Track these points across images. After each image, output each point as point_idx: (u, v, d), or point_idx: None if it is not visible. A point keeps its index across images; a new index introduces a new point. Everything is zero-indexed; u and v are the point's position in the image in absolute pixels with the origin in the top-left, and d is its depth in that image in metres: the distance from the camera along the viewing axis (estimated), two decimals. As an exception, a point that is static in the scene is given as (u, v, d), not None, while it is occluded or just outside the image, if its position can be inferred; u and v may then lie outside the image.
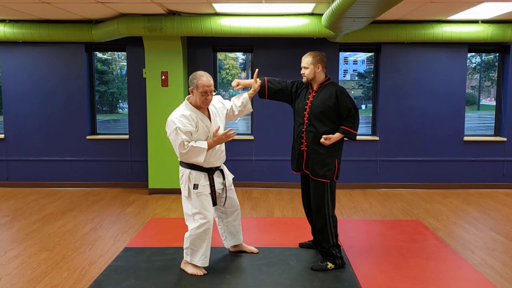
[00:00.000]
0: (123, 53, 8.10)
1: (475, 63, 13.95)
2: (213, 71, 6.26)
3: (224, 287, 3.10)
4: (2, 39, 5.84)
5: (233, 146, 6.31)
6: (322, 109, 3.34)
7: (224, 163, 3.48)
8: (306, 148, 3.41)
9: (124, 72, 10.29)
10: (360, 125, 3.43)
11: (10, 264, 3.52)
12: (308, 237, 3.88)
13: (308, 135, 3.38)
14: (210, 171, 3.24)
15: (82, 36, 5.71)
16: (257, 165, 6.32)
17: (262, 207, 5.30)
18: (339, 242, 3.47)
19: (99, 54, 10.14)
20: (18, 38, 5.78)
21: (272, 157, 6.27)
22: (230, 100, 3.57)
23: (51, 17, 5.61)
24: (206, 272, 3.28)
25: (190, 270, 3.29)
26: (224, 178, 3.39)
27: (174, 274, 3.31)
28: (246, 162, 6.30)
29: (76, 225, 4.57)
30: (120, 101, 11.27)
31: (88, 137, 6.31)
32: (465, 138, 6.24)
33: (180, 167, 3.26)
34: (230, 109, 3.49)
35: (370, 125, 6.52)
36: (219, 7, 5.01)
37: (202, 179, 3.20)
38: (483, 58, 13.53)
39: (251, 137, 6.30)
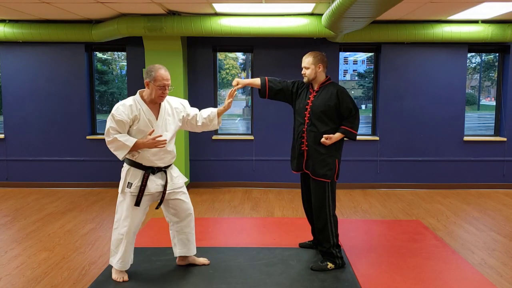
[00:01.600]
0: (123, 53, 8.10)
1: (475, 63, 13.96)
2: (213, 71, 6.26)
3: (224, 287, 3.10)
4: (2, 39, 5.85)
5: (233, 146, 6.31)
6: (323, 109, 3.34)
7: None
8: (306, 148, 3.41)
9: (124, 72, 10.29)
10: (360, 125, 3.43)
11: (10, 264, 3.52)
12: (308, 237, 3.88)
13: (309, 135, 3.38)
14: (148, 170, 3.05)
15: (82, 36, 5.71)
16: (257, 165, 6.32)
17: (262, 207, 5.30)
18: (339, 242, 3.47)
19: (99, 54, 10.14)
20: (18, 38, 5.78)
21: (272, 157, 6.27)
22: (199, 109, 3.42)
23: (51, 17, 5.61)
24: (127, 279, 3.15)
25: (113, 275, 3.18)
26: (167, 181, 3.13)
27: (174, 274, 3.31)
28: (246, 162, 6.30)
29: (76, 225, 4.57)
30: (120, 101, 11.28)
31: (88, 137, 6.31)
32: (465, 138, 6.24)
33: (124, 161, 3.13)
34: (193, 117, 3.28)
35: (370, 125, 6.52)
36: (219, 7, 5.01)
37: (137, 178, 3.03)
38: (483, 58, 13.53)
39: (251, 137, 6.30)
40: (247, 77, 8.49)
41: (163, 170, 3.13)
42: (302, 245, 3.86)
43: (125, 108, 2.97)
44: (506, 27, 5.55)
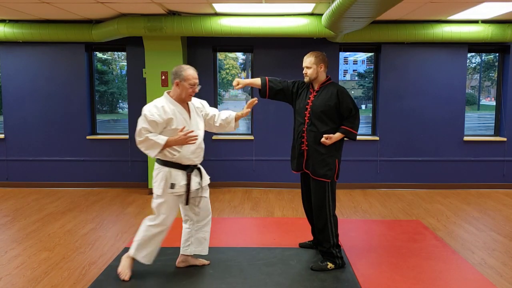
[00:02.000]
0: (123, 53, 8.10)
1: (475, 63, 13.97)
2: (213, 71, 6.26)
3: (224, 287, 3.10)
4: (2, 39, 5.85)
5: (233, 146, 6.31)
6: (323, 109, 3.34)
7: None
8: (306, 148, 3.41)
9: (124, 72, 10.29)
10: (360, 125, 3.43)
11: (10, 264, 3.52)
12: (308, 237, 3.88)
13: (309, 135, 3.39)
14: (188, 169, 3.14)
15: (82, 36, 5.71)
16: (257, 165, 6.32)
17: (262, 207, 5.30)
18: (339, 242, 3.47)
19: (99, 54, 10.14)
20: (18, 38, 5.78)
21: (272, 157, 6.27)
22: (218, 110, 3.49)
23: (51, 17, 5.61)
24: (128, 279, 3.17)
25: (121, 267, 3.21)
26: (201, 178, 3.25)
27: (174, 274, 3.31)
28: (246, 162, 6.30)
29: (76, 225, 4.57)
30: (120, 101, 11.28)
31: (88, 137, 6.31)
32: (465, 138, 6.24)
33: (156, 164, 3.14)
34: (211, 117, 3.37)
35: (370, 125, 6.52)
36: (219, 7, 5.01)
37: (179, 178, 3.09)
38: (483, 58, 13.54)
39: (251, 137, 6.30)
40: (247, 77, 8.50)
41: (197, 168, 3.23)
42: (302, 245, 3.86)
43: (158, 109, 3.03)
44: (506, 27, 5.55)
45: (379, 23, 5.58)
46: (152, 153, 3.03)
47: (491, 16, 5.38)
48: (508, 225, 4.60)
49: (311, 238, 3.84)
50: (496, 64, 6.54)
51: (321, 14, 5.25)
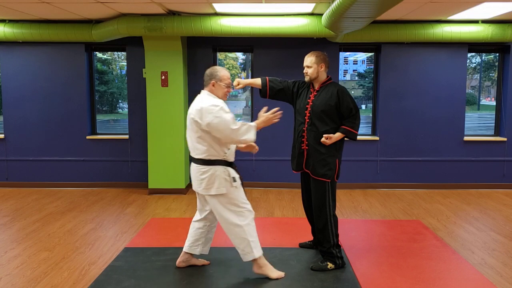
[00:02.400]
0: (123, 53, 8.10)
1: (475, 63, 13.98)
2: (213, 71, 6.26)
3: (224, 287, 3.10)
4: (2, 39, 5.85)
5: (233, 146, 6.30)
6: (323, 109, 3.34)
7: None
8: (307, 147, 3.41)
9: (124, 72, 10.29)
10: (360, 125, 3.43)
11: (10, 264, 3.52)
12: (308, 237, 3.88)
13: (309, 134, 3.39)
14: (233, 165, 3.21)
15: (82, 36, 5.71)
16: (257, 165, 6.32)
17: (262, 207, 5.30)
18: (339, 242, 3.47)
19: (99, 54, 10.15)
20: (18, 38, 5.78)
21: (272, 157, 6.27)
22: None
23: (51, 17, 5.61)
24: (284, 274, 3.25)
25: (275, 274, 3.21)
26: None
27: (174, 274, 3.31)
28: (246, 162, 6.30)
29: (76, 225, 4.57)
30: (120, 101, 11.29)
31: (88, 137, 6.31)
32: (465, 138, 6.24)
33: (203, 166, 3.09)
34: None
35: (370, 125, 6.52)
36: (219, 7, 5.01)
37: (233, 172, 3.17)
38: (483, 58, 13.55)
39: (251, 137, 6.29)
40: (247, 77, 8.49)
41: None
42: (302, 245, 3.86)
43: (223, 103, 3.12)
44: (506, 27, 5.55)
45: (379, 23, 5.58)
46: (251, 136, 3.09)
47: (491, 16, 5.38)
48: (508, 225, 4.60)
49: (311, 238, 3.84)
50: (496, 64, 6.54)
51: (321, 14, 5.25)
